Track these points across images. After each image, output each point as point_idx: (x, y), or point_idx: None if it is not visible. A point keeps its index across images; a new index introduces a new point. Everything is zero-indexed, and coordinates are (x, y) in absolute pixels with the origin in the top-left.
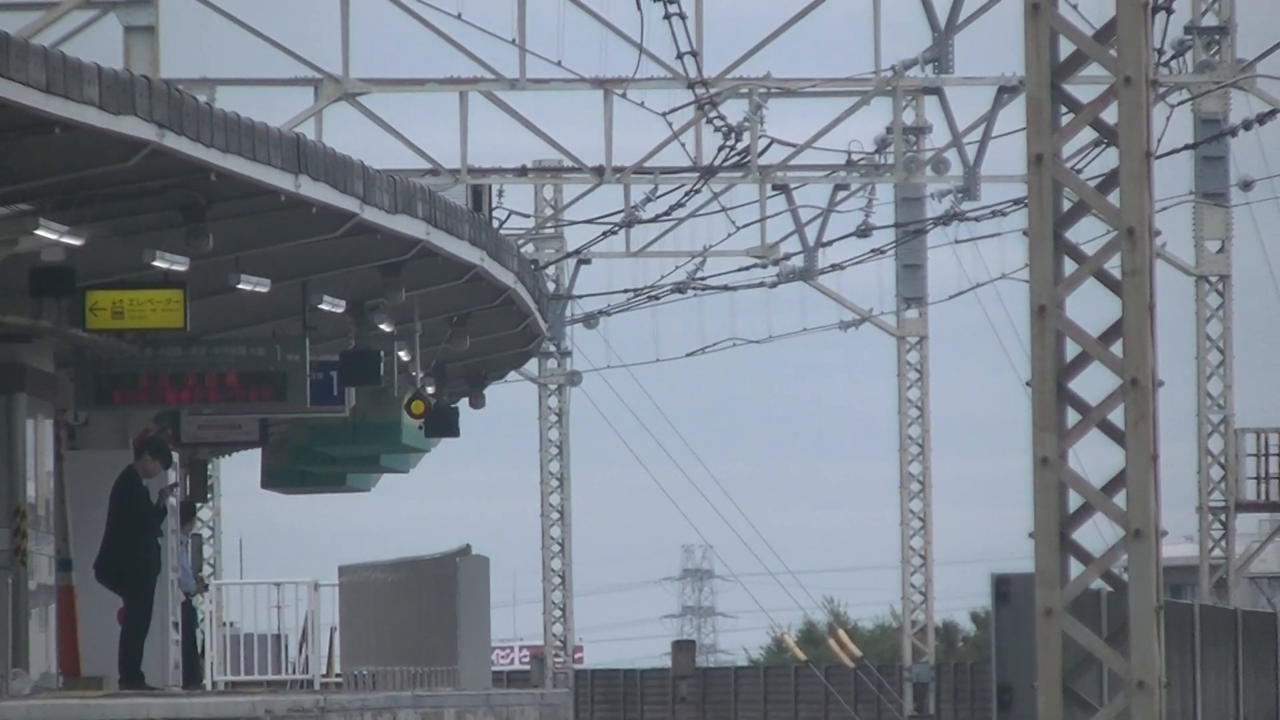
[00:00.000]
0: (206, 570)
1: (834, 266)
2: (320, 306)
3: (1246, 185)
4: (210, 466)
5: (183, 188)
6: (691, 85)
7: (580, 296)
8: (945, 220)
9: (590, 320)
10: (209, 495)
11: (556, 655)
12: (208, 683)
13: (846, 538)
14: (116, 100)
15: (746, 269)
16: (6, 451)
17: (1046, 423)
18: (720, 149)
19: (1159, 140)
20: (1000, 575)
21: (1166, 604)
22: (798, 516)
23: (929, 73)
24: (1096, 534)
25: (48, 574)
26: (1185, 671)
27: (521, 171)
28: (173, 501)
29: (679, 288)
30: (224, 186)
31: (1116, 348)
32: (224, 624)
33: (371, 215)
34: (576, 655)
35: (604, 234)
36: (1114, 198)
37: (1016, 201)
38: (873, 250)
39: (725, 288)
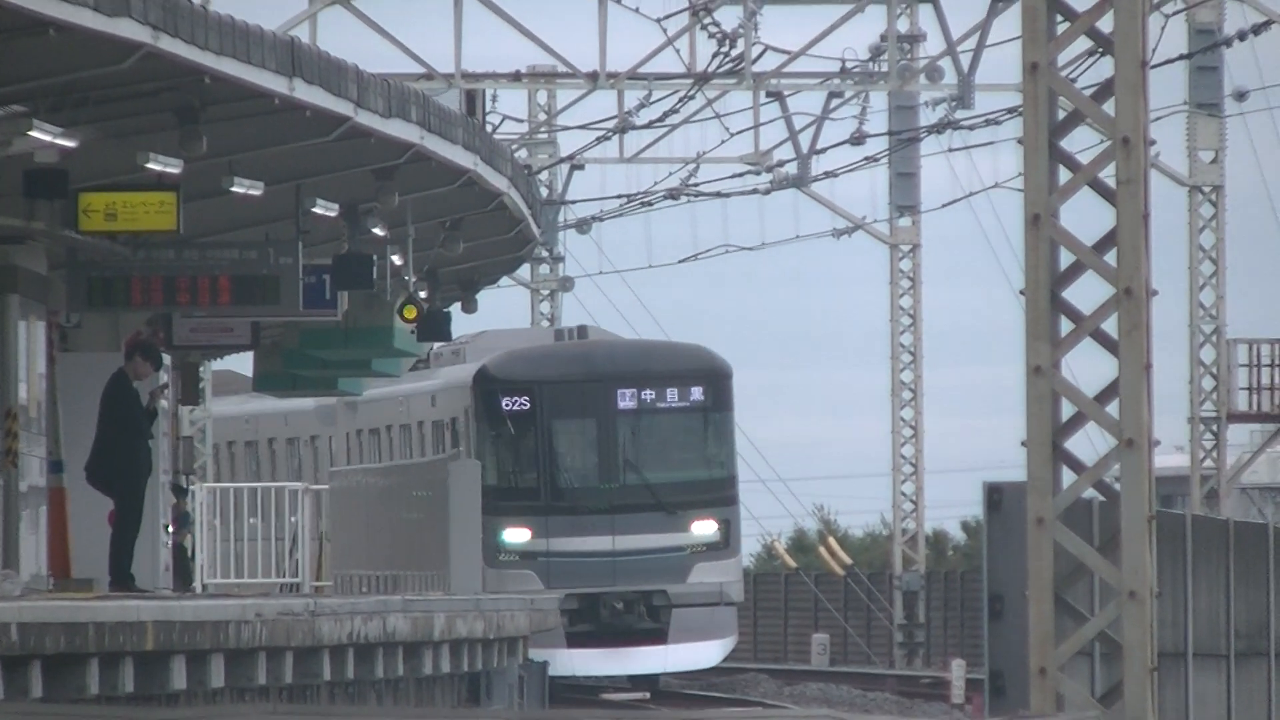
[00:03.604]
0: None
1: (827, 174)
2: (313, 210)
3: (1240, 96)
4: (201, 370)
5: (177, 90)
6: None
7: (573, 202)
8: (939, 129)
9: (583, 226)
10: (200, 399)
11: None
12: (197, 585)
13: (837, 446)
14: (111, 1)
15: (740, 176)
16: None
17: (1040, 331)
18: (714, 55)
19: (1153, 50)
20: (992, 484)
21: (1158, 514)
22: (789, 424)
23: None
24: (1088, 443)
25: (38, 475)
26: (1176, 582)
27: (515, 77)
28: (164, 404)
29: (672, 194)
30: (218, 89)
31: (1110, 257)
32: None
33: (365, 119)
34: None
35: (597, 140)
36: (1109, 107)
37: (1011, 110)
38: (866, 158)
39: (718, 194)
